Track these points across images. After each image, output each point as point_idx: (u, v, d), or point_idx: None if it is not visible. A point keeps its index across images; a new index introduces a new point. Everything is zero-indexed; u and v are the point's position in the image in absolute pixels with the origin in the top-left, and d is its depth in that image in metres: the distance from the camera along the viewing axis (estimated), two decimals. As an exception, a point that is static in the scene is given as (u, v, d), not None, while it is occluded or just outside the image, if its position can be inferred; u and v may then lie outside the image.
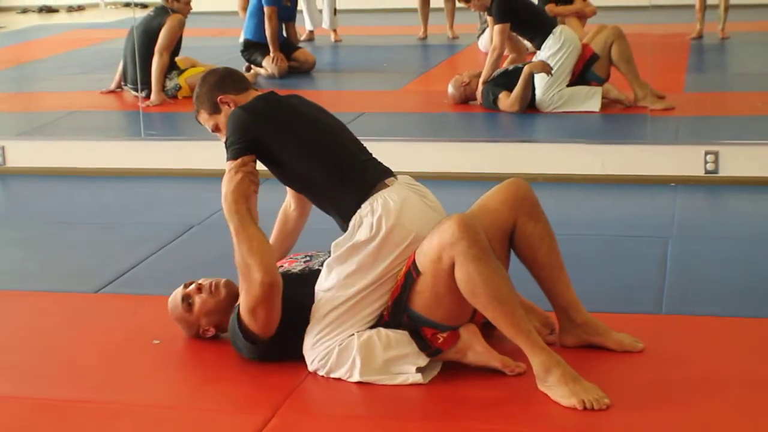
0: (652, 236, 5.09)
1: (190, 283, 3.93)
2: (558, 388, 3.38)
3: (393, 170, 3.79)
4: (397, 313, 3.56)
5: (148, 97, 8.08)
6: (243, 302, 3.61)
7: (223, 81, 3.91)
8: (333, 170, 3.72)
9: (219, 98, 3.87)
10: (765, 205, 5.70)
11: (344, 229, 3.66)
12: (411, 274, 3.52)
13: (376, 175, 3.72)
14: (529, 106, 7.29)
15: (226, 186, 3.67)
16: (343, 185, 3.69)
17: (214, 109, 3.89)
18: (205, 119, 3.94)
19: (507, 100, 7.21)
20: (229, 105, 3.85)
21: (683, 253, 4.82)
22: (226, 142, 3.77)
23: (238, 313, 3.66)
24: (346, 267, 3.58)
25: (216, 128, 3.92)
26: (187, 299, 3.90)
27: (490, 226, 3.65)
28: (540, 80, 7.26)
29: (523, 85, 7.13)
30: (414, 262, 3.51)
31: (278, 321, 3.61)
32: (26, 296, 4.58)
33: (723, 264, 4.67)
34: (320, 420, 3.42)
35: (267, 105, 3.85)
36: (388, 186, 3.67)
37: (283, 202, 4.12)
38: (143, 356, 3.89)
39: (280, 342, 3.65)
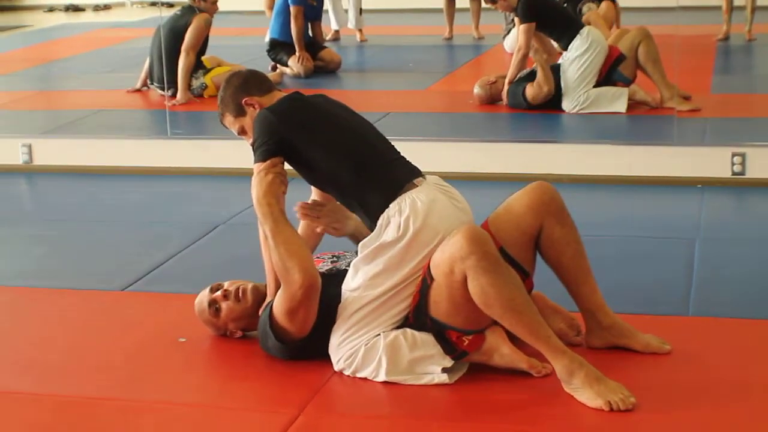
0: (678, 238, 5.07)
1: (217, 288, 3.92)
2: (583, 390, 3.37)
3: (429, 174, 3.78)
4: (419, 317, 3.56)
5: (174, 95, 8.11)
6: (280, 304, 3.59)
7: (248, 83, 3.89)
8: (361, 169, 3.70)
9: (244, 100, 3.85)
10: (792, 207, 5.68)
11: (372, 228, 3.64)
12: (426, 282, 3.51)
13: (404, 175, 3.70)
14: (555, 106, 7.28)
15: (257, 188, 3.67)
16: (371, 185, 3.68)
17: (240, 112, 3.87)
18: (231, 122, 3.92)
19: (533, 87, 7.20)
20: (254, 107, 3.84)
21: (710, 254, 4.80)
22: (253, 144, 3.76)
23: (270, 314, 3.66)
24: (373, 267, 3.58)
25: (242, 131, 3.90)
26: (213, 305, 3.89)
27: (515, 229, 3.65)
28: (568, 80, 7.24)
29: (541, 71, 7.15)
30: (429, 270, 3.51)
31: (313, 321, 3.61)
32: (52, 294, 4.59)
33: (750, 266, 4.65)
34: (346, 419, 3.41)
35: (293, 105, 3.83)
36: (417, 186, 3.66)
37: (300, 199, 4.09)
38: (169, 354, 3.89)
39: (309, 342, 3.65)
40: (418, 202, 3.58)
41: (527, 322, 3.42)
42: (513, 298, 3.39)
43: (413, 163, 3.81)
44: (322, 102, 3.93)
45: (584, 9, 8.76)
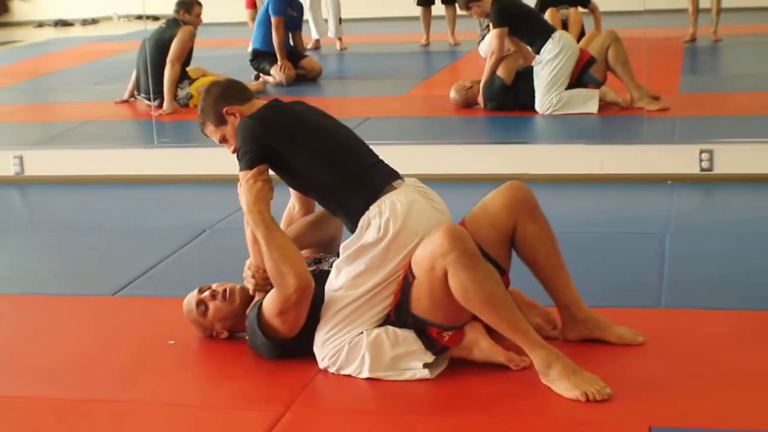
0: (649, 233, 5.08)
1: (206, 288, 3.92)
2: (560, 382, 3.37)
3: (407, 176, 3.78)
4: (401, 314, 3.56)
5: (160, 106, 8.09)
6: (272, 306, 3.59)
7: (227, 92, 3.88)
8: (342, 173, 3.70)
9: (225, 110, 3.83)
10: (758, 201, 5.69)
11: (352, 230, 3.64)
12: (408, 279, 3.51)
13: (383, 178, 3.70)
14: (529, 108, 7.30)
15: (247, 196, 3.66)
16: (352, 188, 3.67)
17: (220, 121, 3.85)
18: (212, 131, 3.90)
19: (503, 68, 7.39)
20: (234, 116, 3.82)
21: (680, 248, 4.81)
22: (237, 152, 3.75)
23: (259, 314, 3.65)
24: (355, 267, 3.57)
25: (223, 139, 3.89)
26: (201, 305, 3.89)
27: (490, 228, 3.65)
28: (541, 83, 7.27)
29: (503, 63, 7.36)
30: (410, 268, 3.50)
31: (303, 322, 3.60)
32: (46, 300, 4.58)
33: (719, 258, 4.66)
34: (332, 415, 3.41)
35: (275, 113, 3.82)
36: (396, 188, 3.66)
37: (284, 204, 4.09)
38: (159, 356, 3.88)
39: (296, 340, 3.64)
40: (398, 204, 3.58)
41: (506, 316, 3.42)
42: (492, 292, 3.39)
43: (393, 166, 3.81)
44: (301, 109, 3.92)
45: (563, 12, 8.84)
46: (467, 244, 3.40)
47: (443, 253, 3.37)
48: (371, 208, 3.61)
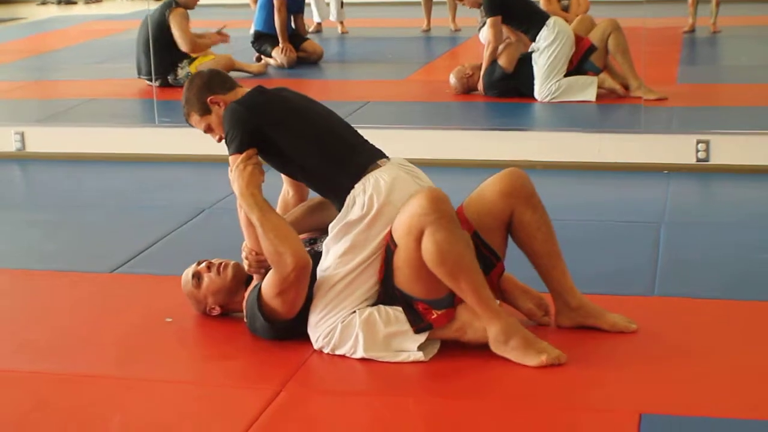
0: (645, 221, 5.08)
1: (203, 261, 3.95)
2: (519, 351, 3.46)
3: (396, 156, 3.79)
4: (387, 288, 3.57)
5: (161, 86, 8.06)
6: (271, 287, 3.60)
7: (211, 82, 3.88)
8: (329, 155, 3.72)
9: (209, 99, 3.84)
10: (753, 191, 5.69)
11: (341, 210, 3.66)
12: (389, 248, 3.53)
13: (368, 157, 3.72)
14: (527, 95, 7.30)
15: (239, 180, 3.67)
16: (339, 169, 3.69)
17: (205, 111, 3.86)
18: (197, 121, 3.91)
19: (504, 57, 7.40)
20: (219, 105, 3.83)
21: (675, 237, 4.82)
22: (226, 138, 3.76)
23: (259, 296, 3.66)
24: (341, 245, 3.59)
25: (208, 128, 3.90)
26: (197, 276, 3.92)
27: (487, 214, 3.66)
28: (539, 70, 7.26)
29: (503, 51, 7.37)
30: (391, 236, 3.52)
31: (302, 302, 3.61)
32: (44, 276, 4.59)
33: (713, 248, 4.67)
34: (326, 395, 3.42)
35: (261, 98, 3.84)
36: (380, 166, 3.67)
37: (275, 189, 4.09)
38: (156, 334, 3.89)
39: (295, 322, 3.65)
40: (381, 181, 3.60)
41: (473, 280, 3.45)
42: (464, 255, 3.43)
43: (391, 149, 3.83)
44: (286, 94, 3.93)
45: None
46: (447, 206, 3.43)
47: (421, 213, 3.39)
48: (356, 186, 3.63)
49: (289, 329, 3.68)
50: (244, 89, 3.90)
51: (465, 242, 3.46)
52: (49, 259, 4.83)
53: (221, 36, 8.35)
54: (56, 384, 3.53)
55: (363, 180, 3.63)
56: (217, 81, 3.89)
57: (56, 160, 6.75)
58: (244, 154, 3.69)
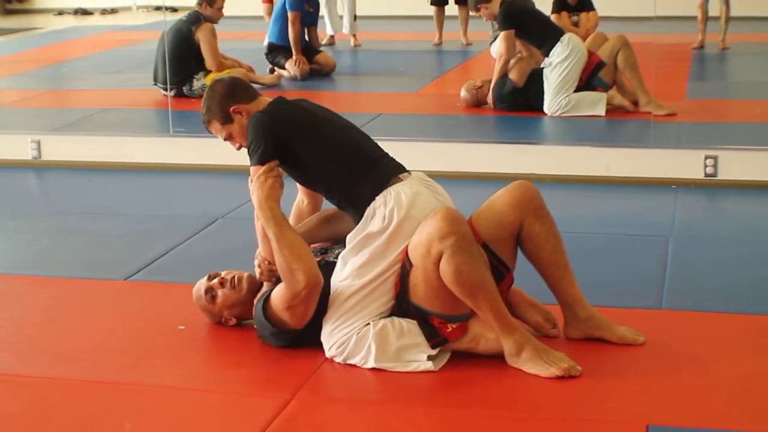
0: (653, 235, 5.08)
1: (214, 276, 3.93)
2: (533, 363, 3.46)
3: (408, 168, 3.79)
4: (401, 303, 3.57)
5: (176, 96, 8.09)
6: (281, 300, 3.60)
7: (234, 91, 3.85)
8: (348, 166, 3.71)
9: (232, 108, 3.81)
10: (761, 207, 5.69)
11: (359, 222, 3.65)
12: (405, 267, 3.52)
13: (390, 170, 3.72)
14: (537, 109, 7.30)
15: (258, 193, 3.65)
16: (358, 180, 3.68)
17: (227, 120, 3.84)
18: (218, 129, 3.88)
19: (515, 71, 7.40)
20: (241, 114, 3.81)
21: (683, 251, 4.82)
22: (249, 147, 3.75)
23: (266, 306, 3.67)
24: (360, 257, 3.59)
25: (229, 137, 3.88)
26: (210, 292, 3.90)
27: (497, 226, 3.66)
28: (550, 85, 7.27)
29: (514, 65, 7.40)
30: (407, 255, 3.52)
31: (311, 316, 3.61)
32: (59, 283, 4.60)
33: (720, 262, 4.66)
34: (337, 403, 3.42)
35: (285, 108, 3.83)
36: (402, 180, 3.67)
37: (292, 197, 4.08)
38: (168, 341, 3.90)
39: (304, 332, 3.65)
40: (403, 195, 3.59)
41: (491, 298, 3.46)
42: (483, 275, 3.44)
43: (404, 161, 3.82)
44: (308, 105, 3.93)
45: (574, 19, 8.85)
46: (465, 228, 3.43)
47: (441, 236, 3.39)
48: (377, 198, 3.62)
49: (297, 338, 3.68)
50: (266, 99, 3.89)
51: (483, 262, 3.47)
52: (64, 267, 4.84)
53: (247, 66, 8.48)
54: (69, 390, 3.53)
55: (384, 193, 3.62)
56: (240, 90, 3.87)
57: (72, 168, 6.76)
58: (266, 166, 3.68)
